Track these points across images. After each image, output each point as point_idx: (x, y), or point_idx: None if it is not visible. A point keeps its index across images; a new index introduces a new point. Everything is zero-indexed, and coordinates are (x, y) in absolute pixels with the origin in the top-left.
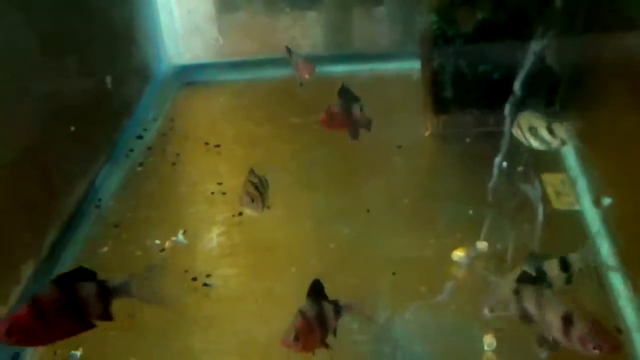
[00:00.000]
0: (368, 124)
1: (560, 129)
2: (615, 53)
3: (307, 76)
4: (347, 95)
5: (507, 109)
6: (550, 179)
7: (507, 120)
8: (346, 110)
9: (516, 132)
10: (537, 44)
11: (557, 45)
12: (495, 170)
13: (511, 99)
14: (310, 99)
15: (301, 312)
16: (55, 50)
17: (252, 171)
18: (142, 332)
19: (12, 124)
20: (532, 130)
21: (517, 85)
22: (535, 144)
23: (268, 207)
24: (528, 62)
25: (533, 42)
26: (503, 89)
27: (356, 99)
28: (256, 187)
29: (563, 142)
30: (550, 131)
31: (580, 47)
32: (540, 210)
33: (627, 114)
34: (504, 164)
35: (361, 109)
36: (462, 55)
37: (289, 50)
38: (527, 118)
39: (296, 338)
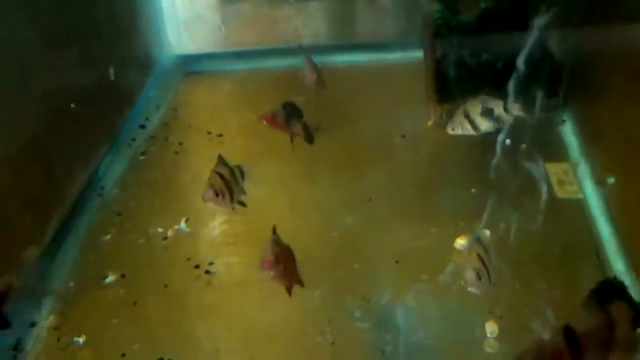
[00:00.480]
0: (309, 139)
1: (515, 106)
2: (619, 43)
3: (313, 88)
4: (290, 109)
5: (510, 86)
6: (554, 169)
7: (509, 99)
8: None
9: (458, 124)
10: (538, 33)
11: (560, 35)
12: (498, 148)
13: (514, 76)
14: (313, 90)
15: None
16: (57, 40)
17: (220, 159)
18: (144, 320)
19: (14, 114)
20: (486, 113)
21: (519, 63)
22: (486, 127)
23: (242, 203)
24: (529, 51)
25: (534, 31)
26: (506, 78)
27: (299, 115)
28: (223, 179)
29: (515, 117)
30: (506, 109)
31: (584, 37)
32: (545, 191)
33: (631, 104)
34: (507, 141)
35: (304, 126)
36: (465, 45)
37: (304, 55)
38: (479, 104)
39: (276, 261)
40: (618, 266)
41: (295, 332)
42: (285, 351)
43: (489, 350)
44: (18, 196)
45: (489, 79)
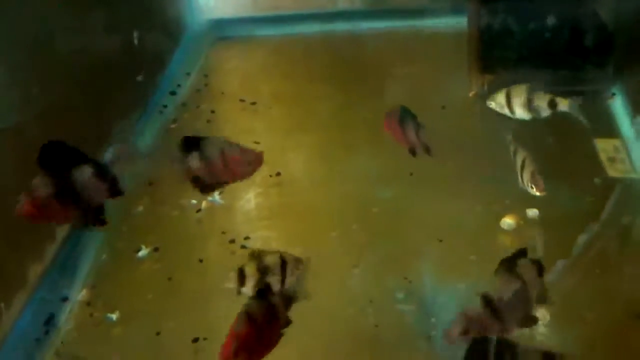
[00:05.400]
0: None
1: (563, 103)
2: None
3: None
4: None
5: None
6: (604, 145)
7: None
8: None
9: (497, 102)
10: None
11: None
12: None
13: None
14: (349, 55)
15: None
16: (86, 5)
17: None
18: (179, 296)
19: (43, 82)
20: (527, 102)
21: None
22: (520, 113)
23: None
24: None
25: None
26: (553, 48)
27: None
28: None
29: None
30: (552, 104)
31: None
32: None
33: None
34: None
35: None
36: (512, 12)
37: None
38: (525, 91)
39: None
40: None
41: (335, 313)
42: (325, 333)
43: (539, 337)
44: None
45: (535, 49)
